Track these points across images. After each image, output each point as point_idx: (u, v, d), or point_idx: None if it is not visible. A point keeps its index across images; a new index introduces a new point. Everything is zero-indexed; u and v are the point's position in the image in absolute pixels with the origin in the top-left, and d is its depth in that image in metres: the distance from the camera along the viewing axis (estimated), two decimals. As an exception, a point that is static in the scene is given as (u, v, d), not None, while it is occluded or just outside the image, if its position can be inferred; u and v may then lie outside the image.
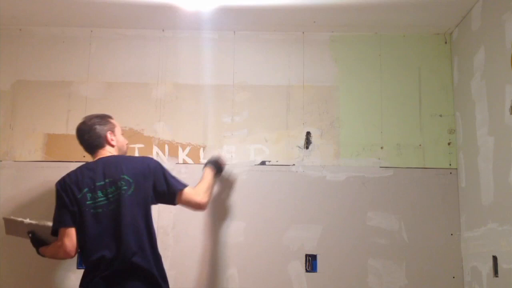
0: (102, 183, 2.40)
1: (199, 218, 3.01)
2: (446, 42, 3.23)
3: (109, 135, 2.56)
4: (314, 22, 3.14)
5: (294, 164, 3.10)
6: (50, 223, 2.45)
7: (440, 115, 3.16)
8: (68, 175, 2.46)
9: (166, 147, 3.13)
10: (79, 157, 3.09)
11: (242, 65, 3.22)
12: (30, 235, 2.50)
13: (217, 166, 2.84)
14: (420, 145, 3.12)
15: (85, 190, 2.39)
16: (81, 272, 2.94)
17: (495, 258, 2.57)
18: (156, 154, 3.12)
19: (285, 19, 3.11)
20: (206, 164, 2.84)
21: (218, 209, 3.04)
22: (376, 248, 2.99)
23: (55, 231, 2.41)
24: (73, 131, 3.11)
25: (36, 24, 3.21)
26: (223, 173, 2.96)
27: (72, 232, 2.36)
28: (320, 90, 3.20)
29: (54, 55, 3.23)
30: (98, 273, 2.30)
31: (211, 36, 3.25)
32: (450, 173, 3.08)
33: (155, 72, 3.22)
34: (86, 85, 3.20)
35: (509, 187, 2.45)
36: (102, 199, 2.38)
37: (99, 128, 2.54)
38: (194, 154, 3.12)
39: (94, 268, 2.33)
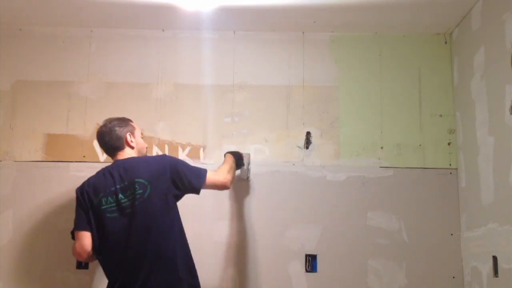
0: (118, 187, 2.41)
1: (199, 218, 3.01)
2: (446, 42, 3.23)
3: (128, 137, 2.57)
4: (314, 22, 3.14)
5: (294, 164, 3.10)
6: None
7: (440, 115, 3.16)
8: (88, 180, 2.50)
9: (166, 147, 3.13)
10: (79, 157, 3.10)
11: (242, 65, 3.22)
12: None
13: (237, 155, 2.88)
14: (420, 145, 3.12)
15: (101, 194, 2.42)
16: (81, 272, 2.96)
17: (495, 258, 2.56)
18: (156, 154, 3.11)
19: (285, 19, 3.11)
20: (226, 153, 2.90)
21: (218, 209, 3.04)
22: (376, 248, 2.99)
23: (72, 234, 2.50)
24: (73, 131, 3.14)
25: (36, 24, 3.22)
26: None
27: (83, 235, 2.41)
28: (320, 90, 3.20)
29: (54, 55, 3.23)
30: (119, 280, 2.34)
31: (211, 36, 3.25)
32: (450, 173, 3.08)
33: (155, 72, 3.22)
34: (86, 85, 3.20)
35: (509, 187, 2.45)
36: (116, 203, 2.39)
37: (118, 130, 2.56)
38: (194, 154, 3.12)
39: (114, 273, 2.37)
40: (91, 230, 2.41)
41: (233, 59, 3.23)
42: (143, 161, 2.53)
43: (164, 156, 2.61)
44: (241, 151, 3.00)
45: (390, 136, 3.14)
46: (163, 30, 3.26)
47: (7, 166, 3.09)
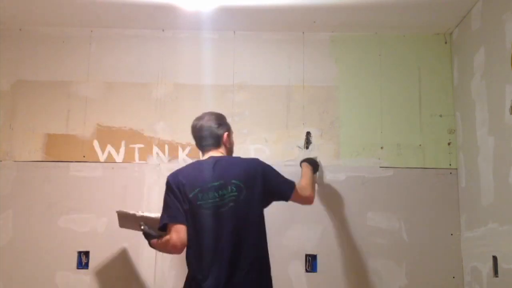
0: (215, 184, 2.39)
1: (199, 218, 3.02)
2: (446, 42, 3.23)
3: (225, 136, 2.56)
4: (314, 22, 3.14)
5: (294, 164, 3.10)
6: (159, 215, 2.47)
7: (440, 115, 3.16)
8: (181, 171, 2.47)
9: (166, 147, 3.13)
10: (79, 157, 3.10)
11: (242, 65, 3.22)
12: (142, 227, 2.50)
13: (312, 163, 2.92)
14: (420, 145, 3.12)
15: (197, 189, 2.38)
16: (81, 272, 2.96)
17: (495, 258, 2.56)
18: (156, 154, 3.12)
19: (285, 19, 3.11)
20: (301, 162, 2.94)
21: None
22: (376, 248, 2.99)
23: (164, 226, 2.39)
24: (73, 131, 3.14)
25: (36, 24, 3.21)
26: None
27: (181, 228, 2.35)
28: (320, 90, 3.20)
29: (54, 55, 3.23)
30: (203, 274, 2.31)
31: (211, 36, 3.25)
32: (450, 173, 3.08)
33: (155, 72, 3.22)
34: (86, 85, 3.20)
35: (509, 187, 2.45)
36: (212, 200, 2.37)
37: (219, 127, 2.55)
38: (194, 154, 3.11)
39: (199, 267, 2.33)
40: (187, 223, 2.35)
41: (233, 59, 3.23)
42: (237, 162, 2.51)
43: (256, 160, 2.56)
44: (311, 155, 3.05)
45: (390, 136, 3.14)
46: (163, 30, 3.26)
47: (7, 166, 3.09)
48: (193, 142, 3.12)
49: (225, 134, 2.56)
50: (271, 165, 2.53)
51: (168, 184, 2.43)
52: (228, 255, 2.31)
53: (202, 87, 3.20)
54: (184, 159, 3.11)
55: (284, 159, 3.11)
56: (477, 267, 2.76)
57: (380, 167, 3.10)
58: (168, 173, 3.15)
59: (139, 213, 2.62)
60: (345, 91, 3.19)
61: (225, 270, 2.29)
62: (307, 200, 2.65)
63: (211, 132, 2.53)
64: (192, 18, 3.08)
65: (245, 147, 3.12)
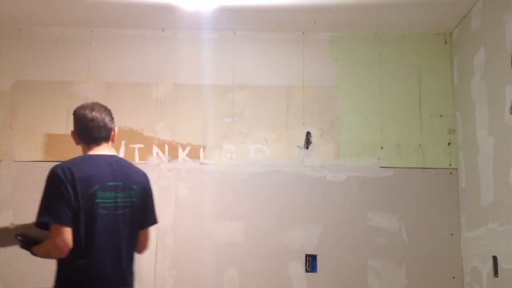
0: (114, 184, 2.25)
1: (199, 218, 3.02)
2: (446, 42, 3.22)
3: (115, 132, 2.38)
4: (314, 22, 3.13)
5: (294, 164, 3.10)
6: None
7: (440, 115, 3.16)
8: (74, 165, 2.19)
9: (166, 147, 3.13)
10: (79, 157, 3.09)
11: (242, 65, 3.22)
12: (19, 237, 2.26)
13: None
14: (420, 145, 3.12)
15: (96, 187, 2.18)
16: (81, 272, 2.95)
17: (495, 258, 2.56)
18: (156, 154, 3.12)
19: (285, 19, 3.11)
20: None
21: (218, 209, 3.04)
22: (376, 248, 2.99)
23: (43, 224, 2.15)
24: (73, 131, 3.13)
25: (36, 24, 3.21)
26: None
27: (67, 230, 2.09)
28: (320, 90, 3.20)
29: (54, 55, 3.23)
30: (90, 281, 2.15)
31: (211, 36, 3.25)
32: (450, 173, 3.08)
33: (155, 72, 3.22)
34: (86, 85, 3.20)
35: (509, 187, 2.45)
36: (110, 201, 2.23)
37: (111, 120, 2.35)
38: (194, 154, 3.12)
39: (83, 271, 2.15)
40: (76, 224, 2.15)
41: (233, 59, 3.23)
42: (134, 169, 2.39)
43: (146, 174, 2.40)
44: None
45: (390, 136, 3.14)
46: (163, 30, 3.26)
47: (7, 166, 3.09)
48: (193, 142, 3.14)
49: (116, 129, 2.37)
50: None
51: (55, 178, 2.14)
52: (121, 259, 2.22)
53: (202, 87, 3.20)
54: (184, 159, 3.11)
55: (284, 159, 3.11)
56: (477, 267, 2.76)
57: (380, 167, 3.10)
58: (168, 173, 3.15)
59: (13, 224, 2.36)
60: (345, 91, 3.19)
61: (120, 272, 2.21)
62: (144, 249, 2.39)
63: (105, 124, 2.31)
64: (192, 18, 3.08)
65: (245, 147, 3.12)
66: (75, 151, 3.09)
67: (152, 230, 2.98)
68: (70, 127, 3.13)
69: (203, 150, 3.12)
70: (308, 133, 3.15)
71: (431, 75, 3.19)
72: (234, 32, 3.26)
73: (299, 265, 2.98)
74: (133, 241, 2.26)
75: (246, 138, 3.14)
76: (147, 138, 3.13)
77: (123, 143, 3.12)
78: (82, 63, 3.22)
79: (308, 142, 3.14)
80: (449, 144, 3.12)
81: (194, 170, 3.07)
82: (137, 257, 3.03)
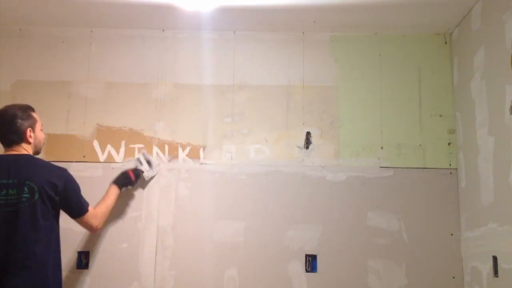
0: (5, 181, 2.33)
1: (199, 218, 3.02)
2: (446, 42, 3.23)
3: (28, 132, 2.48)
4: (314, 22, 3.14)
5: (294, 164, 3.10)
6: None
7: (440, 115, 3.16)
8: None
9: (166, 147, 3.13)
10: (79, 157, 3.10)
11: (242, 65, 3.22)
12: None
13: (122, 183, 2.89)
14: (420, 145, 3.12)
15: None
16: (81, 272, 2.96)
17: (495, 258, 2.56)
18: (156, 154, 3.12)
19: (285, 19, 3.11)
20: (112, 181, 2.87)
21: (218, 209, 3.04)
22: (376, 248, 2.99)
23: None
24: (73, 131, 3.14)
25: (36, 24, 3.21)
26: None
27: None
28: (320, 90, 3.20)
29: (54, 55, 3.23)
30: None
31: (211, 36, 3.25)
32: (450, 173, 3.08)
33: (155, 72, 3.22)
34: (86, 85, 3.20)
35: (509, 187, 2.45)
36: (6, 198, 2.31)
37: (20, 122, 2.45)
38: (194, 154, 3.12)
39: None
40: None
41: (233, 59, 3.23)
42: (40, 164, 2.46)
43: (64, 171, 2.50)
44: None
45: (390, 136, 3.14)
46: (163, 30, 3.26)
47: (7, 166, 3.08)
48: (193, 142, 3.15)
49: (28, 129, 2.47)
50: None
51: None
52: (10, 256, 2.27)
53: (202, 87, 3.20)
54: (184, 159, 3.11)
55: (284, 159, 3.11)
56: (477, 267, 2.76)
57: (380, 167, 3.10)
58: (168, 173, 3.16)
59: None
60: (345, 91, 3.19)
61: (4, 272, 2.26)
62: (91, 229, 2.64)
63: (12, 127, 2.43)
64: (192, 18, 3.08)
65: (245, 147, 3.12)
66: (75, 151, 3.12)
67: (152, 230, 3.02)
68: (70, 127, 3.16)
69: (203, 150, 3.12)
70: (308, 133, 3.15)
71: (431, 75, 3.19)
72: (234, 32, 3.26)
73: (299, 265, 2.98)
74: (39, 234, 2.33)
75: (246, 138, 3.15)
76: (147, 138, 3.13)
77: (123, 143, 3.13)
78: (82, 63, 3.22)
79: (308, 142, 3.14)
80: (449, 144, 3.12)
81: (194, 170, 3.07)
82: (137, 257, 3.05)
